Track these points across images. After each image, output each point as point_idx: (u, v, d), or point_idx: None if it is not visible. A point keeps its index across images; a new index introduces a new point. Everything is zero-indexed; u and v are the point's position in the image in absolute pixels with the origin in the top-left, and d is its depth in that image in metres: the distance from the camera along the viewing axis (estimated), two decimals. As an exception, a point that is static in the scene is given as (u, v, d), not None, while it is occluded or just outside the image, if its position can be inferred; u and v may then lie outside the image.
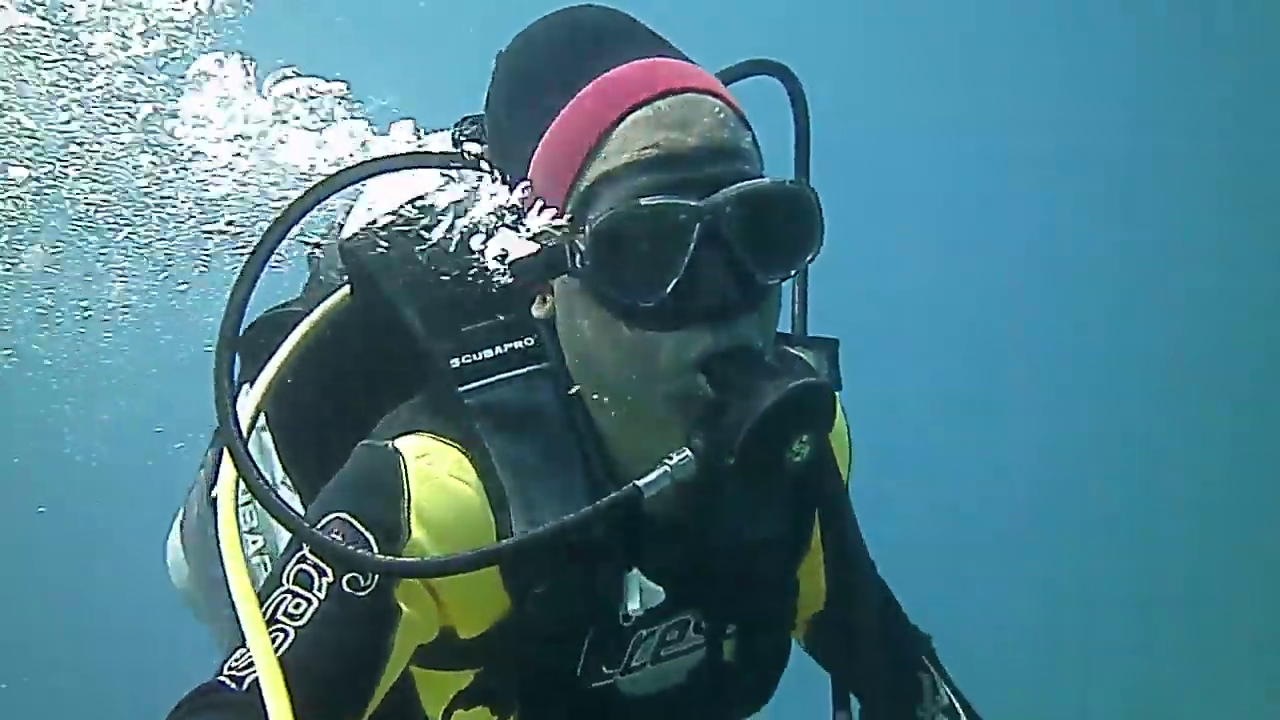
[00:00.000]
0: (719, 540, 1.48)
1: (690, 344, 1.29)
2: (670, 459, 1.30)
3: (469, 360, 1.41)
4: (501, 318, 1.44)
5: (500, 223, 1.39)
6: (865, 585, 1.61)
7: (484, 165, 1.45)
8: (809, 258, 1.37)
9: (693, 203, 1.27)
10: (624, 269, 1.29)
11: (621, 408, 1.37)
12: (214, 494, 1.52)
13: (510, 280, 1.40)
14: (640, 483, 1.29)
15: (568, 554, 1.37)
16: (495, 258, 1.39)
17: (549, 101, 1.34)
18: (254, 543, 1.70)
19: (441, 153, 1.50)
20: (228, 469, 1.42)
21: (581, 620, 1.41)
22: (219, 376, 1.33)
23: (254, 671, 1.21)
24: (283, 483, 1.64)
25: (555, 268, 1.34)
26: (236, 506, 1.40)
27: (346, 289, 1.56)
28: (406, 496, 1.34)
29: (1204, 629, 5.14)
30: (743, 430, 1.25)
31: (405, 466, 1.36)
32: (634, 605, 1.39)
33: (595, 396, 1.40)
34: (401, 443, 1.39)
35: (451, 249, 1.45)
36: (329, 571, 1.30)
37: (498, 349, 1.42)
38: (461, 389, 1.40)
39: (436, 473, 1.37)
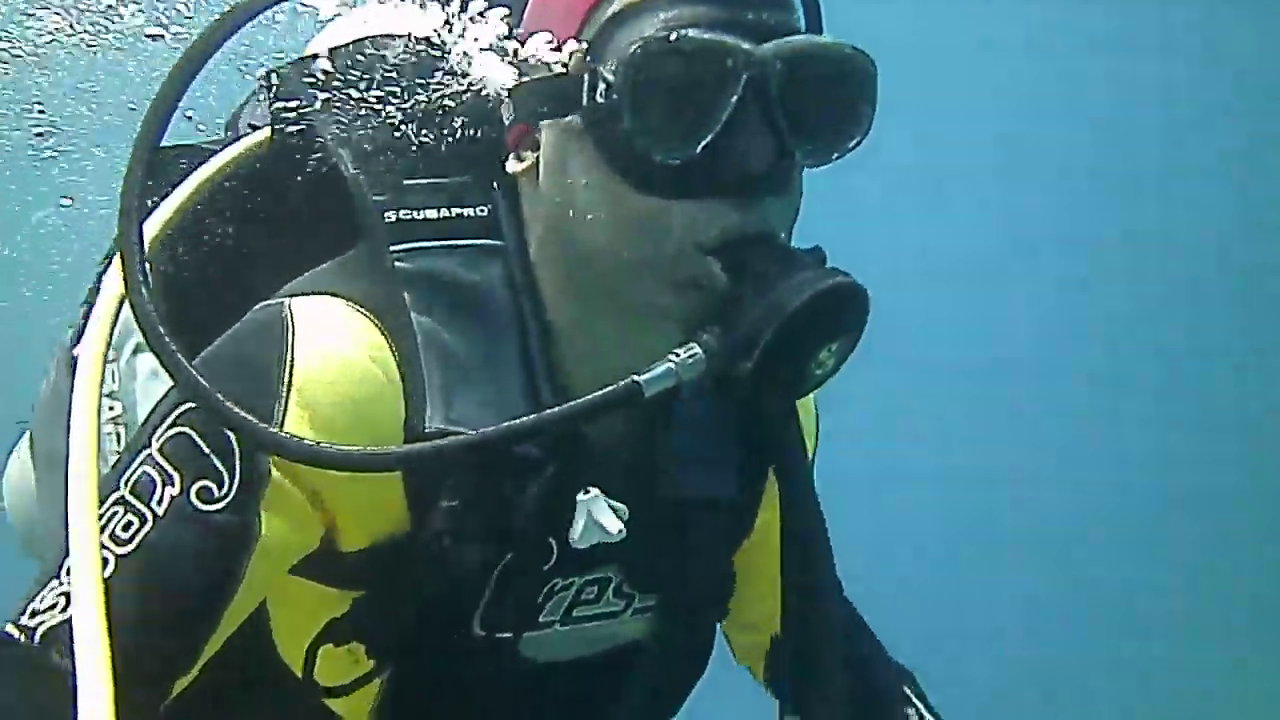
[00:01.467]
0: (666, 488, 1.25)
1: (711, 219, 1.07)
2: (677, 354, 1.06)
3: (407, 217, 1.16)
4: (453, 179, 1.19)
5: (488, 46, 1.15)
6: (826, 602, 1.32)
7: None
8: (854, 142, 1.13)
9: (745, 46, 1.06)
10: (652, 112, 1.06)
11: (601, 296, 1.14)
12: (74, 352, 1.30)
13: (477, 128, 1.17)
14: (640, 378, 1.05)
15: (492, 465, 1.14)
16: (471, 87, 1.15)
17: None
18: (110, 409, 1.42)
19: None
20: (105, 309, 1.18)
21: (494, 549, 1.16)
22: (128, 186, 1.09)
23: (56, 616, 1.01)
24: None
25: (560, 104, 1.10)
26: (105, 359, 1.16)
27: (266, 131, 1.30)
28: (286, 372, 1.10)
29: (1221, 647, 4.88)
30: (769, 328, 1.03)
31: (293, 333, 1.11)
32: (577, 535, 1.16)
33: (565, 281, 1.16)
34: (300, 304, 1.14)
35: (409, 80, 1.20)
36: (175, 477, 1.07)
37: (443, 211, 1.18)
38: (393, 249, 1.15)
39: (337, 345, 1.12)
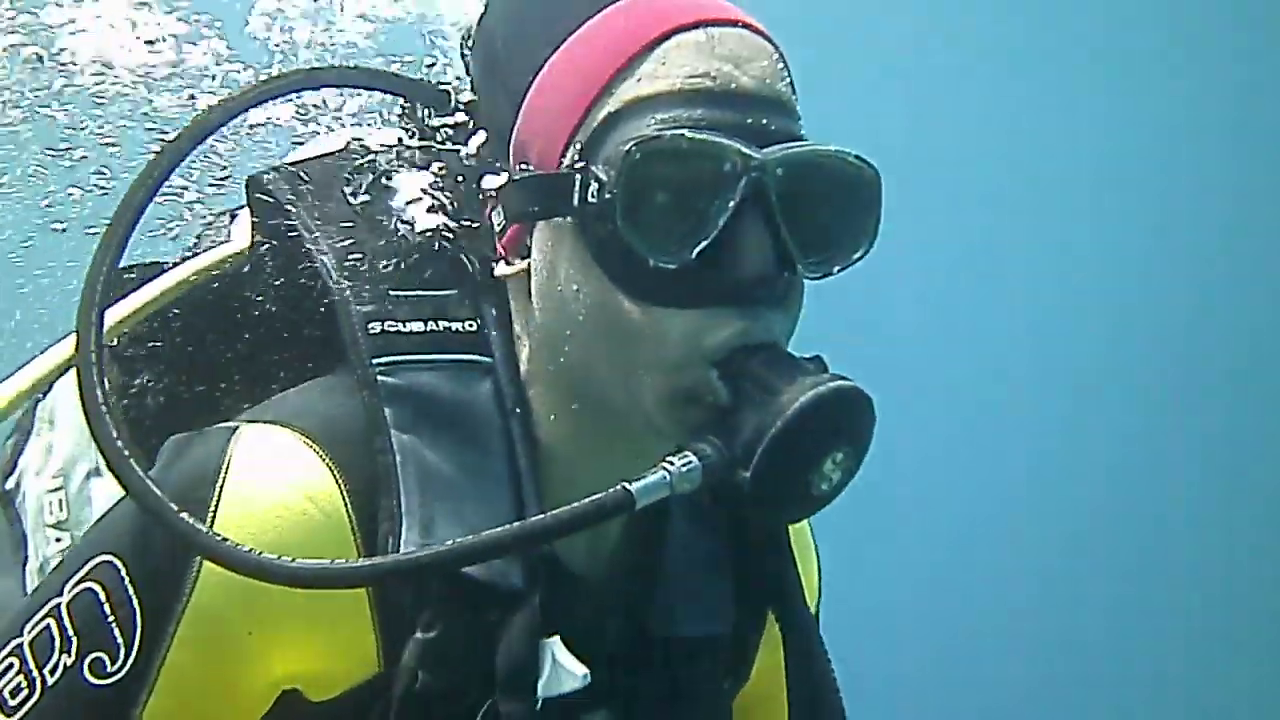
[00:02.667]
0: (659, 624, 1.17)
1: (712, 329, 1.01)
2: (671, 462, 0.99)
3: (392, 329, 1.09)
4: (440, 292, 1.13)
5: (474, 154, 1.11)
6: None
7: (459, 96, 1.17)
8: (857, 255, 1.08)
9: (745, 150, 1.01)
10: (646, 214, 1.01)
11: (594, 412, 1.08)
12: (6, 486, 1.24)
13: (470, 227, 1.12)
14: (632, 485, 0.97)
15: (471, 595, 1.05)
16: (458, 190, 1.11)
17: (569, 11, 1.07)
18: (56, 540, 1.33)
19: (398, 76, 1.21)
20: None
21: (476, 691, 1.06)
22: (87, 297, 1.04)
23: None
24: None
25: (551, 204, 1.04)
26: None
27: (242, 240, 1.23)
28: (208, 519, 1.01)
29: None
30: (768, 432, 0.97)
31: (224, 475, 1.03)
32: (543, 684, 1.06)
33: (557, 396, 1.10)
34: (245, 437, 1.06)
35: (396, 183, 1.15)
36: (73, 643, 1.01)
37: (430, 325, 1.10)
38: (376, 361, 1.08)
39: (266, 489, 1.03)
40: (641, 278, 1.01)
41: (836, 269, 1.07)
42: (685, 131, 1.00)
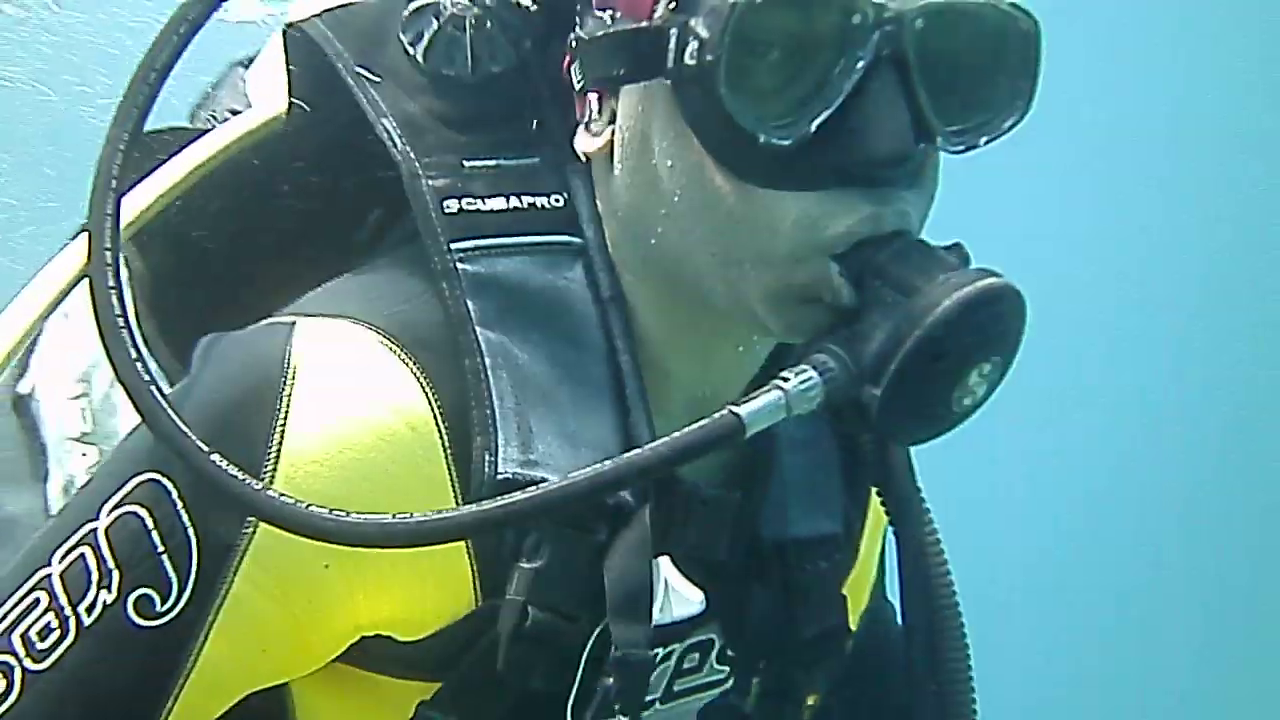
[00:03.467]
0: (774, 527, 1.04)
1: (833, 215, 0.85)
2: (786, 379, 0.83)
3: (470, 207, 0.93)
4: (521, 160, 0.96)
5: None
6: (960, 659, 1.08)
7: None
8: (1009, 123, 0.91)
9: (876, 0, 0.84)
10: (757, 78, 0.85)
11: (691, 307, 0.93)
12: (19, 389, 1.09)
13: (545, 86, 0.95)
14: (741, 410, 0.81)
15: (578, 515, 0.91)
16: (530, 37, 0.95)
17: None
18: (83, 455, 1.16)
19: None
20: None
21: (588, 617, 0.93)
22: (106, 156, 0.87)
23: None
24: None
25: (641, 65, 0.88)
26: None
27: (280, 105, 1.04)
28: (273, 448, 0.86)
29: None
30: (905, 343, 0.82)
31: (289, 390, 0.87)
32: (658, 608, 0.92)
33: (649, 287, 0.95)
34: (309, 337, 0.90)
35: (461, 30, 0.97)
36: (114, 577, 0.85)
37: (513, 200, 0.94)
38: (455, 246, 0.92)
39: (345, 411, 0.87)
40: (749, 154, 0.85)
41: (984, 140, 0.91)
42: None
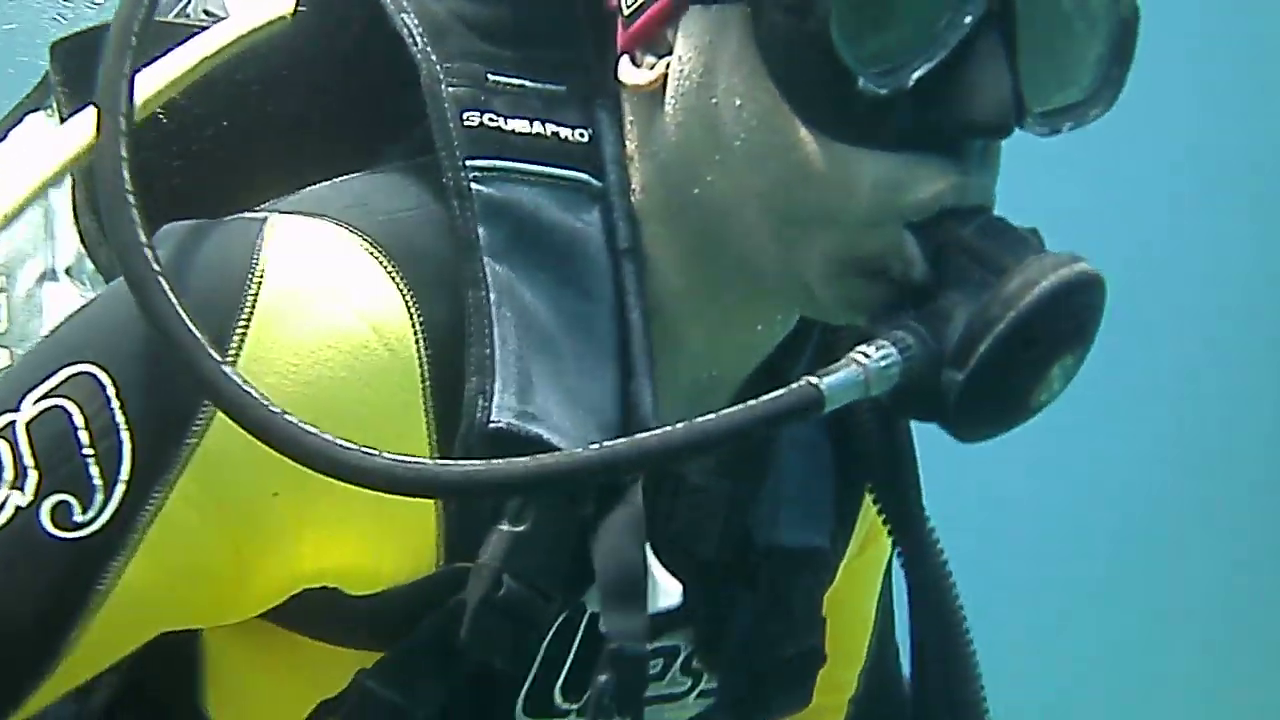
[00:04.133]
0: (764, 532, 0.94)
1: (916, 180, 0.77)
2: (866, 354, 0.74)
3: (492, 123, 0.83)
4: (547, 85, 0.86)
5: None
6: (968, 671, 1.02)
7: None
8: (1095, 112, 0.84)
9: None
10: (866, 12, 0.76)
11: (728, 266, 0.84)
12: None
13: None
14: (822, 381, 0.73)
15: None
16: None
17: None
18: None
19: None
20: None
21: (561, 598, 0.83)
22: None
23: None
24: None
25: None
26: None
27: (287, 4, 0.92)
28: (235, 336, 0.76)
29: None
30: (998, 326, 0.73)
31: (256, 279, 0.77)
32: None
33: (681, 240, 0.85)
34: (283, 230, 0.80)
35: None
36: (31, 477, 0.74)
37: (536, 125, 0.84)
38: (471, 163, 0.81)
39: (315, 310, 0.77)
40: (835, 101, 0.77)
41: (1068, 126, 0.83)
42: None
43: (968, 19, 0.76)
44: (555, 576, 0.81)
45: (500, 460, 0.70)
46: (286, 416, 0.69)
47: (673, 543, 0.86)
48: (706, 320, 0.87)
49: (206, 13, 0.96)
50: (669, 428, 0.71)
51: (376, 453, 0.69)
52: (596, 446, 0.71)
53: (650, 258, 0.86)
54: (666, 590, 0.82)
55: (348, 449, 0.69)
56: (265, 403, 0.70)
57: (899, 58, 0.76)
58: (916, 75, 0.76)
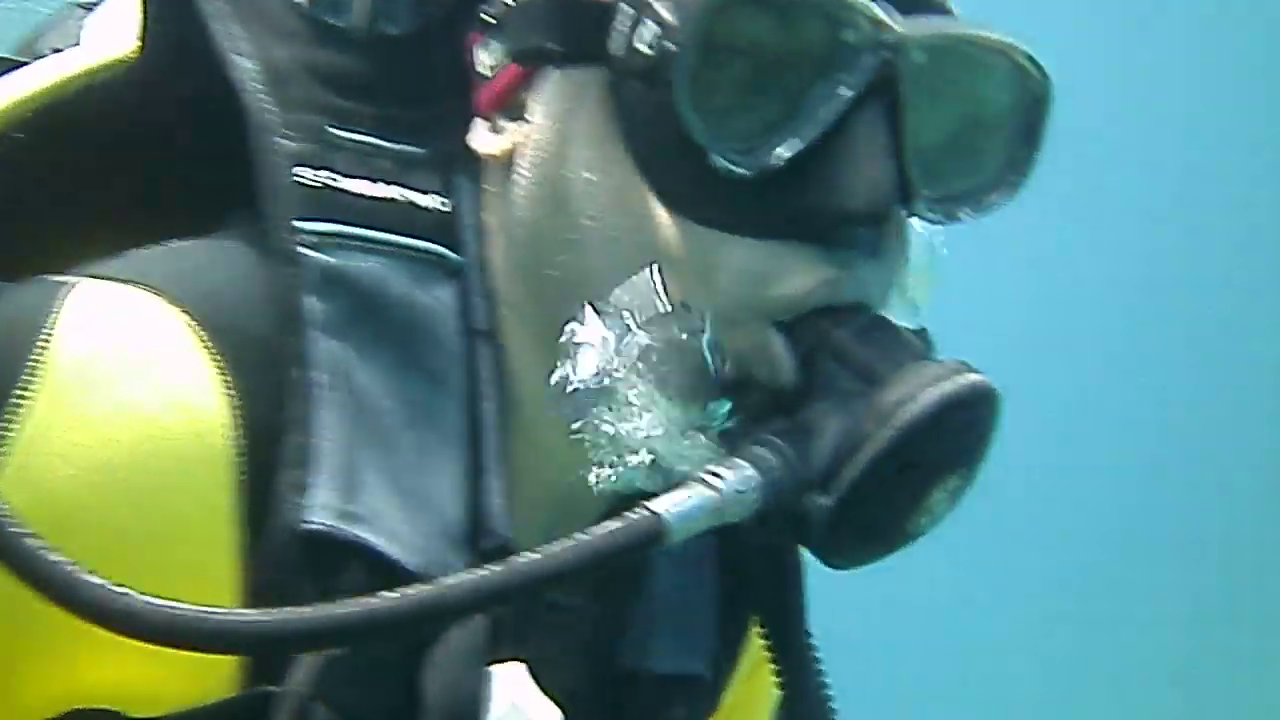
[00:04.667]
0: (634, 656, 0.85)
1: (784, 272, 0.70)
2: (719, 475, 0.66)
3: (331, 182, 0.75)
4: (402, 146, 0.78)
5: None
6: None
7: None
8: (993, 198, 0.77)
9: (881, 14, 0.70)
10: (725, 84, 0.70)
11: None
12: None
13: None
14: (666, 510, 0.64)
15: None
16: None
17: None
18: None
19: None
20: None
21: None
22: None
23: None
24: None
25: (576, 43, 0.73)
26: None
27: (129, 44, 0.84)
28: (11, 429, 0.67)
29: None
30: (870, 449, 0.66)
31: (43, 348, 0.68)
32: None
33: (536, 325, 0.77)
34: (87, 295, 0.70)
35: None
36: None
37: (385, 189, 0.76)
38: (302, 225, 0.73)
39: (114, 389, 0.68)
40: (694, 180, 0.69)
41: (964, 213, 0.76)
42: None
43: (845, 92, 0.69)
44: (377, 708, 0.72)
45: (311, 609, 0.62)
46: (61, 561, 0.60)
47: (532, 670, 0.77)
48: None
49: (55, 50, 0.88)
50: (485, 571, 0.63)
51: (161, 603, 0.60)
52: (416, 591, 0.62)
53: (506, 345, 0.78)
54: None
55: (130, 599, 0.60)
56: (37, 544, 0.61)
57: (762, 135, 0.69)
58: (785, 155, 0.68)
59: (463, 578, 0.63)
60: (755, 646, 0.93)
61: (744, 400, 0.70)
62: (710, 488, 0.66)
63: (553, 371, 0.73)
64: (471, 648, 0.73)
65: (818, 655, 0.88)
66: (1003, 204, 0.76)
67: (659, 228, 0.70)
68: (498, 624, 0.74)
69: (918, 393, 0.66)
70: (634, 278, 0.70)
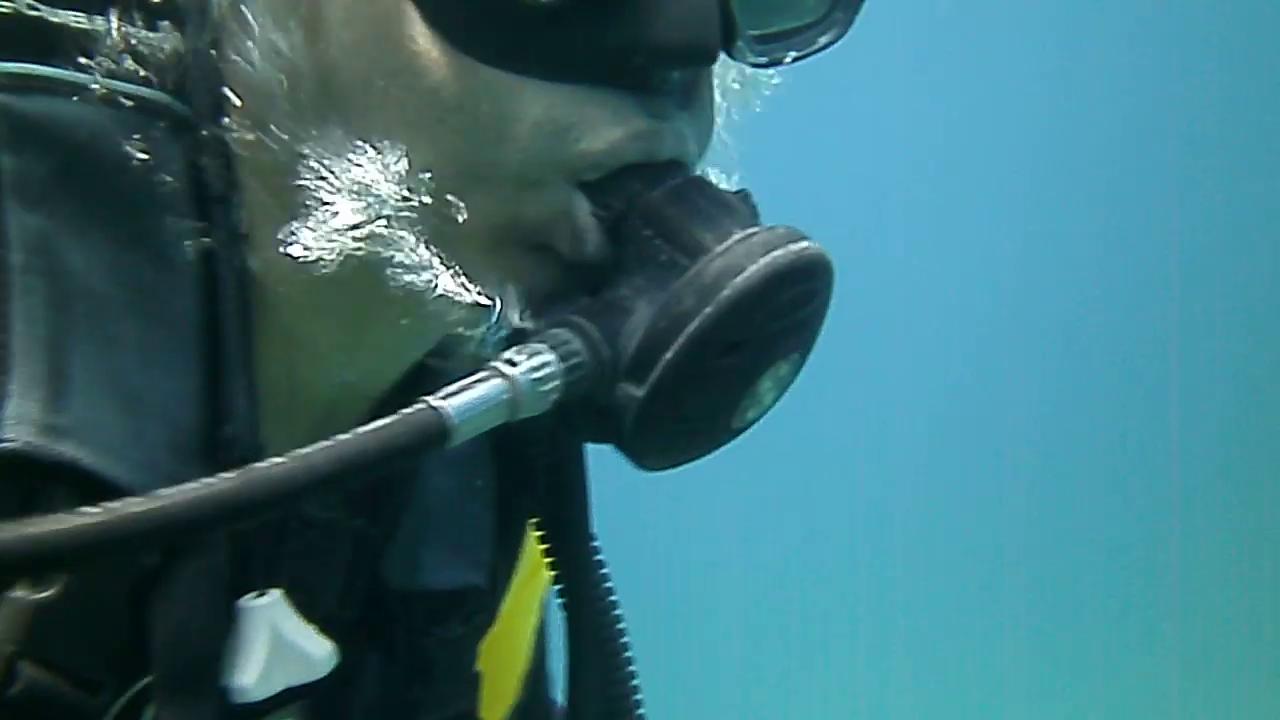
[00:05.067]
0: (401, 575, 0.77)
1: (591, 123, 0.60)
2: (512, 362, 0.57)
3: (20, 9, 0.61)
4: None
5: None
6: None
7: None
8: (823, 41, 0.67)
9: None
10: None
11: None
12: None
13: None
14: (448, 405, 0.55)
15: None
16: None
17: None
18: None
19: None
20: None
21: (115, 683, 0.62)
22: None
23: None
24: None
25: None
26: None
27: None
28: None
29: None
30: (686, 331, 0.58)
31: None
32: (247, 678, 0.63)
33: (282, 190, 0.64)
34: None
35: None
36: None
37: (96, 20, 0.63)
38: None
39: None
40: (478, 10, 0.59)
41: (791, 56, 0.66)
42: None
43: None
44: (100, 658, 0.61)
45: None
46: None
47: (291, 598, 0.67)
48: (333, 309, 0.67)
49: None
50: (240, 474, 0.52)
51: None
52: (135, 504, 0.51)
53: (253, 216, 0.65)
54: (309, 657, 0.66)
55: None
56: None
57: None
58: None
59: (187, 489, 0.52)
60: (534, 548, 0.85)
61: (541, 274, 0.61)
62: (501, 376, 0.57)
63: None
64: (212, 579, 0.62)
65: (602, 560, 0.81)
66: (832, 45, 0.67)
67: (438, 69, 0.59)
68: (247, 549, 0.65)
69: (744, 263, 0.58)
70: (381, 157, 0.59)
